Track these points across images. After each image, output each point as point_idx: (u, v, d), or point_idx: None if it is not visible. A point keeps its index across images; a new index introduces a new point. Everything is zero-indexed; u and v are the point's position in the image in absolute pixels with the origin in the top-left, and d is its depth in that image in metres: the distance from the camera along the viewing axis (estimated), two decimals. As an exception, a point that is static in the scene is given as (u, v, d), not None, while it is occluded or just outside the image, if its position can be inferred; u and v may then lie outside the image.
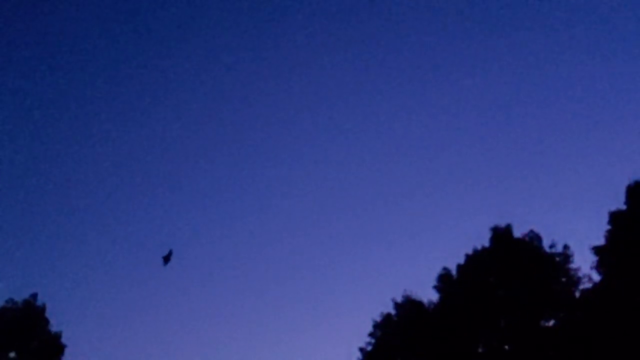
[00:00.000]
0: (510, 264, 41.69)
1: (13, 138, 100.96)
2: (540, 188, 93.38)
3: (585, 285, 40.91)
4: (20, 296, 47.94)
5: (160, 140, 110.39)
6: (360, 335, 46.11)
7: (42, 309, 47.96)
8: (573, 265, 41.75)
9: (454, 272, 43.81)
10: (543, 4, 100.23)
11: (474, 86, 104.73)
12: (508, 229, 42.82)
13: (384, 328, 45.46)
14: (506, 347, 41.48)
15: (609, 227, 38.59)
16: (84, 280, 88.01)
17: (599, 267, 39.15)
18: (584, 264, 40.87)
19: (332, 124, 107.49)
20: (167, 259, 30.75)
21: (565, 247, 42.15)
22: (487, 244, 42.97)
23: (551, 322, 41.31)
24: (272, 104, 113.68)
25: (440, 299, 43.93)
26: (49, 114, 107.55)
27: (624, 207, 38.37)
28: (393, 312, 45.48)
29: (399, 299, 45.41)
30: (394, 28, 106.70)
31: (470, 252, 43.30)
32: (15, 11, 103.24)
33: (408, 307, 45.04)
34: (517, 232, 42.77)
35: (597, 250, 38.85)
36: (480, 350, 41.91)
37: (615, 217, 38.35)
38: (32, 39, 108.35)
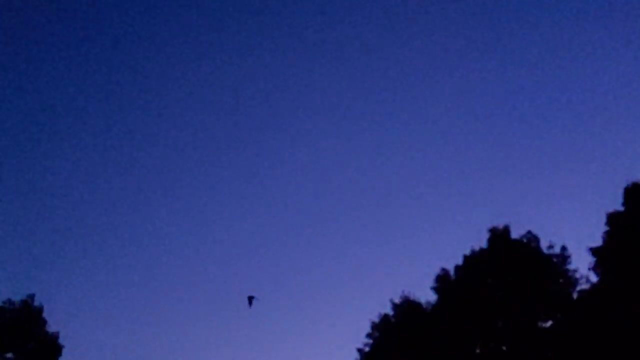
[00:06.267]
0: (508, 265, 41.71)
1: (12, 138, 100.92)
2: (538, 189, 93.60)
3: (583, 286, 40.96)
4: (17, 296, 48.03)
5: (157, 138, 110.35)
6: (358, 336, 46.25)
7: (40, 309, 47.94)
8: (571, 266, 41.82)
9: (451, 273, 43.83)
10: (543, 3, 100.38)
11: (472, 86, 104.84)
12: (506, 229, 42.83)
13: (381, 329, 45.49)
14: (504, 348, 41.50)
15: (606, 228, 38.57)
16: (82, 280, 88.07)
17: (596, 268, 39.15)
18: (582, 265, 40.97)
19: (331, 125, 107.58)
20: (250, 300, 37.61)
21: (563, 248, 42.20)
22: (484, 244, 42.99)
23: (549, 323, 41.34)
24: (271, 104, 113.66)
25: (438, 299, 43.94)
26: (49, 114, 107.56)
27: (621, 208, 38.36)
28: (391, 313, 45.53)
29: (397, 300, 45.48)
30: (394, 28, 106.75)
31: (468, 253, 43.33)
32: (15, 11, 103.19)
33: (406, 308, 45.06)
34: (515, 233, 42.82)
35: (594, 251, 38.83)
36: (477, 351, 41.92)
37: (612, 218, 38.33)
38: (32, 39, 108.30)
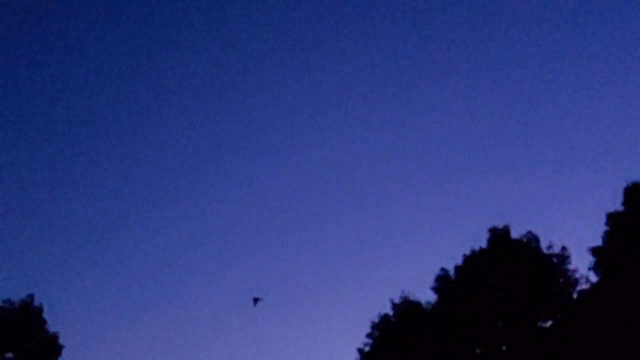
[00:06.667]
0: (508, 265, 41.70)
1: (12, 138, 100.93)
2: (538, 189, 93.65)
3: (583, 286, 40.98)
4: (17, 296, 47.99)
5: (158, 138, 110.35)
6: (358, 336, 46.23)
7: (40, 309, 47.91)
8: (570, 266, 41.83)
9: (451, 273, 43.82)
10: (543, 4, 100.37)
11: (472, 86, 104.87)
12: (506, 229, 42.82)
13: (381, 329, 45.46)
14: (504, 347, 41.49)
15: (606, 228, 38.60)
16: (82, 280, 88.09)
17: (596, 268, 39.15)
18: (582, 265, 41.02)
19: (331, 125, 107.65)
20: (256, 301, 40.51)
21: (563, 248, 42.22)
22: (484, 244, 42.98)
23: (549, 323, 41.34)
24: (271, 104, 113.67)
25: (438, 299, 43.93)
26: (49, 114, 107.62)
27: (621, 208, 38.39)
28: (391, 312, 45.51)
29: (397, 300, 45.46)
30: (394, 27, 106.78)
31: (468, 253, 43.32)
32: (15, 11, 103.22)
33: (406, 308, 45.04)
34: (515, 233, 42.84)
35: (594, 251, 38.85)
36: (477, 351, 41.91)
37: (612, 218, 38.35)
38: (32, 39, 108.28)
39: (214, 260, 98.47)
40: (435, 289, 44.15)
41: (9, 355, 46.36)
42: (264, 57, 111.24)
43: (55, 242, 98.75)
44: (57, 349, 47.55)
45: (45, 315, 47.97)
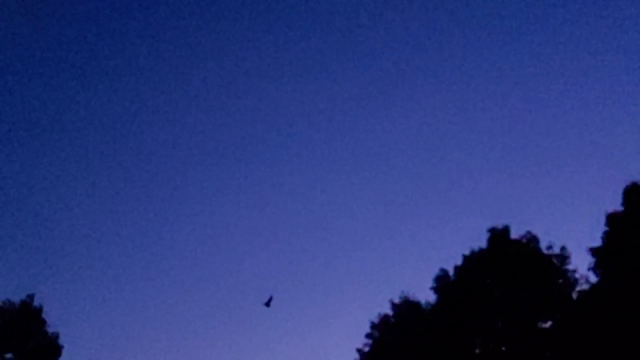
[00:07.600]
0: (508, 265, 41.72)
1: (12, 138, 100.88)
2: (538, 189, 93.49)
3: (583, 286, 41.00)
4: (17, 297, 47.99)
5: (159, 138, 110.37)
6: (358, 336, 46.28)
7: (39, 309, 47.91)
8: (570, 267, 41.86)
9: (451, 273, 43.82)
10: (543, 3, 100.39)
11: (472, 86, 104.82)
12: (505, 230, 42.83)
13: (381, 329, 45.52)
14: (503, 348, 41.52)
15: (606, 228, 38.62)
16: (82, 281, 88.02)
17: (596, 268, 39.18)
18: (581, 265, 40.99)
19: (330, 125, 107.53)
20: (268, 302, 40.96)
21: (563, 248, 42.23)
22: (484, 245, 42.97)
23: (548, 324, 41.36)
24: (271, 104, 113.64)
25: (438, 300, 43.95)
26: (49, 114, 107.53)
27: (621, 208, 38.42)
28: (390, 313, 45.57)
29: (397, 300, 45.52)
30: (394, 27, 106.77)
31: (467, 253, 43.33)
32: (15, 11, 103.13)
33: (405, 308, 45.09)
34: (515, 234, 42.82)
35: (594, 251, 38.87)
36: (477, 351, 41.95)
37: (612, 219, 38.38)
38: (32, 39, 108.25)
39: (213, 260, 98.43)
40: (434, 289, 44.15)
41: (9, 355, 46.39)
42: (264, 57, 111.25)
43: (55, 242, 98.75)
44: (57, 349, 47.55)
45: (44, 315, 48.04)
